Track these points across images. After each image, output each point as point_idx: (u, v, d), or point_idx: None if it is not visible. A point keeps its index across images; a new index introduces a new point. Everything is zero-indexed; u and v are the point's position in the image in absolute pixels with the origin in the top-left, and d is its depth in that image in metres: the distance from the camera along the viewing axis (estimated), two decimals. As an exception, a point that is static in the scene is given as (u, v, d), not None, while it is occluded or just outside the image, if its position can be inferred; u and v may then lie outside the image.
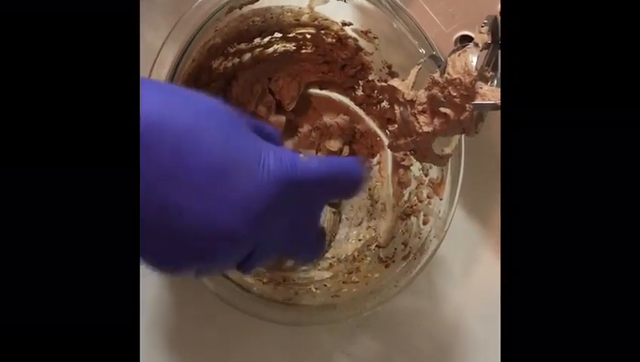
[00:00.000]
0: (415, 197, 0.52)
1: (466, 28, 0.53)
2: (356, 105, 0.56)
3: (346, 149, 0.56)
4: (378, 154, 0.56)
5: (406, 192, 0.53)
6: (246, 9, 0.45)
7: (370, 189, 0.56)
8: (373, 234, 0.53)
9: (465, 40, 0.53)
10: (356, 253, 0.52)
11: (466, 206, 0.58)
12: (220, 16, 0.43)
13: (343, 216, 0.56)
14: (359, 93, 0.55)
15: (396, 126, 0.43)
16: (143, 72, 0.41)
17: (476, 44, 0.40)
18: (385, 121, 0.55)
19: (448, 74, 0.39)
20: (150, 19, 0.48)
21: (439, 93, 0.40)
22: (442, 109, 0.40)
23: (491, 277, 0.60)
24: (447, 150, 0.46)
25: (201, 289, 0.43)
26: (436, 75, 0.40)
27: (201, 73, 0.47)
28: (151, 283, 0.51)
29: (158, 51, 0.41)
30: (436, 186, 0.50)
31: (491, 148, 0.60)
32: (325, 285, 0.49)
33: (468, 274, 0.60)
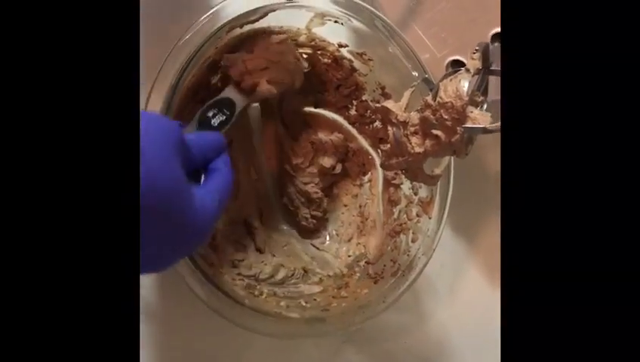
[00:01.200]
0: (405, 216, 0.53)
1: (458, 53, 0.55)
2: (349, 124, 0.57)
3: (339, 167, 0.57)
4: (369, 172, 0.58)
5: (396, 210, 0.54)
6: (246, 27, 0.47)
7: (360, 206, 0.57)
8: (363, 251, 0.55)
9: (456, 64, 0.55)
10: (345, 269, 0.53)
11: (453, 224, 0.60)
12: (220, 34, 0.45)
13: (333, 232, 0.57)
14: (353, 112, 0.57)
15: (389, 146, 0.44)
16: (146, 87, 0.43)
17: (468, 70, 0.41)
18: (377, 140, 0.57)
19: (440, 97, 0.40)
20: (153, 35, 0.49)
21: (431, 116, 0.41)
22: (434, 131, 0.41)
23: (477, 295, 0.62)
24: (437, 171, 0.47)
25: (192, 301, 0.43)
26: (429, 98, 0.41)
27: (199, 88, 0.48)
28: (141, 297, 0.51)
29: (159, 69, 0.42)
30: (425, 205, 0.51)
31: (480, 168, 0.62)
32: (315, 299, 0.50)
33: (454, 291, 0.61)
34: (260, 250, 0.52)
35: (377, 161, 0.57)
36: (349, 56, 0.53)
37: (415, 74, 0.51)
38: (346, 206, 0.57)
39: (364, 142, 0.58)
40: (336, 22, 0.50)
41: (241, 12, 0.45)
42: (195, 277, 0.42)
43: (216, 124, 0.45)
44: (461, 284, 0.62)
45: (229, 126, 0.46)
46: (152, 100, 0.43)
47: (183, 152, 0.33)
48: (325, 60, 0.54)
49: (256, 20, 0.46)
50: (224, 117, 0.45)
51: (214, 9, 0.44)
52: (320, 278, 0.53)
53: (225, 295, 0.43)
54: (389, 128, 0.44)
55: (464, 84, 0.40)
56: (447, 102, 0.40)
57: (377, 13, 0.50)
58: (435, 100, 0.41)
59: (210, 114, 0.45)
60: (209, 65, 0.48)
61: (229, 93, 0.47)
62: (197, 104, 0.49)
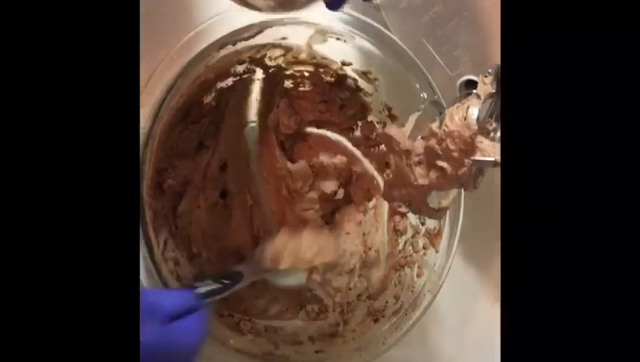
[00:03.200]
0: (410, 247, 0.49)
1: (472, 72, 0.51)
2: (354, 146, 0.54)
3: (341, 192, 0.54)
4: (374, 199, 0.54)
5: (401, 241, 0.51)
6: (240, 45, 0.44)
7: (364, 235, 0.54)
8: (365, 284, 0.51)
9: (470, 85, 0.51)
10: (345, 304, 0.50)
11: (464, 253, 0.56)
12: (211, 52, 0.41)
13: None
14: (357, 134, 0.53)
15: (391, 175, 0.41)
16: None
17: (478, 96, 0.38)
18: (383, 164, 0.53)
19: (446, 126, 0.37)
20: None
21: (437, 146, 0.37)
22: (439, 163, 0.37)
23: (489, 329, 0.58)
24: (445, 202, 0.43)
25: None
26: (434, 126, 0.38)
27: (191, 108, 0.45)
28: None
29: (143, 88, 0.39)
30: (433, 237, 0.47)
31: (492, 195, 0.58)
32: (310, 337, 0.46)
33: (463, 324, 0.58)
34: (252, 282, 0.49)
35: (383, 186, 0.54)
36: (353, 75, 0.50)
37: (424, 95, 0.47)
38: (348, 234, 0.54)
39: (370, 166, 0.54)
40: (338, 39, 0.46)
41: (234, 29, 0.41)
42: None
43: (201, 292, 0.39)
44: (472, 317, 0.58)
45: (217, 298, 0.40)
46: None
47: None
48: (328, 79, 0.50)
49: (251, 37, 0.43)
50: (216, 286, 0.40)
51: (201, 26, 0.41)
52: (317, 313, 0.49)
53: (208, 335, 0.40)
54: (392, 157, 0.40)
55: (473, 111, 0.37)
56: (453, 131, 0.36)
57: (384, 30, 0.46)
58: (441, 128, 0.37)
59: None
60: (200, 84, 0.45)
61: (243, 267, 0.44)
62: (189, 125, 0.47)
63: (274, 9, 0.38)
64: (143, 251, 0.39)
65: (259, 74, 0.49)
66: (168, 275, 0.41)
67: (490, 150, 0.36)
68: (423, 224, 0.49)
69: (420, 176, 0.39)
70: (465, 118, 0.36)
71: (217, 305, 0.45)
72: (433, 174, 0.38)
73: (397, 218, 0.52)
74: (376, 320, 0.47)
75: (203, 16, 0.42)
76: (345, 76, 0.50)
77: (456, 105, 0.37)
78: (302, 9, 0.39)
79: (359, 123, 0.53)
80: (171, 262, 0.43)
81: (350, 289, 0.51)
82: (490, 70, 0.40)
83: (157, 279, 0.40)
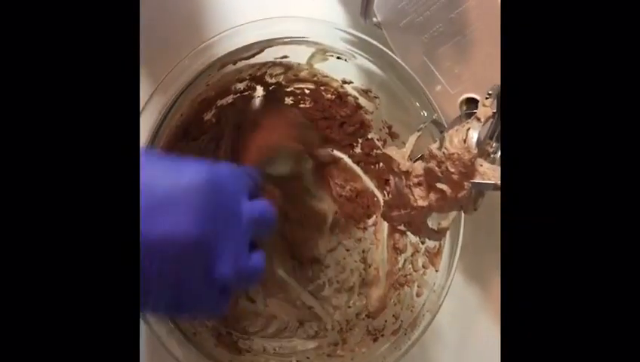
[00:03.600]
0: (410, 266, 0.49)
1: (473, 90, 0.51)
2: (354, 163, 0.54)
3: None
4: (374, 215, 0.54)
5: (401, 259, 0.50)
6: (241, 64, 0.44)
7: (363, 251, 0.53)
8: (364, 302, 0.51)
9: (471, 103, 0.51)
10: (344, 322, 0.50)
11: (465, 270, 0.56)
12: (211, 71, 0.41)
13: (334, 279, 0.53)
14: (358, 150, 0.53)
15: (390, 196, 0.41)
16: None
17: (478, 119, 0.37)
18: (383, 181, 0.53)
19: (446, 148, 0.37)
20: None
21: (436, 168, 0.37)
22: (439, 185, 0.37)
23: (489, 348, 0.57)
24: (444, 223, 0.43)
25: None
26: (434, 148, 0.38)
27: (190, 126, 0.45)
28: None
29: (143, 107, 0.39)
30: (432, 256, 0.47)
31: (492, 210, 0.58)
32: (308, 357, 0.46)
33: (465, 342, 0.57)
34: (251, 300, 0.49)
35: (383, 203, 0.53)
36: (354, 92, 0.50)
37: (424, 113, 0.47)
38: (348, 251, 0.54)
39: (370, 183, 0.54)
40: (339, 58, 0.46)
41: (235, 48, 0.41)
42: (174, 336, 0.39)
43: None
44: (473, 334, 0.57)
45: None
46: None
47: None
48: (329, 96, 0.50)
49: (252, 56, 0.43)
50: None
51: (202, 45, 0.41)
52: (316, 331, 0.49)
53: (206, 356, 0.40)
54: (391, 178, 0.40)
55: (473, 134, 0.37)
56: (453, 154, 0.36)
57: (384, 49, 0.46)
58: (441, 150, 0.37)
59: None
60: (201, 102, 0.45)
61: None
62: (189, 142, 0.47)
63: None
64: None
65: (259, 91, 0.49)
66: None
67: (490, 173, 0.36)
68: (422, 243, 0.49)
69: (420, 197, 0.39)
70: (465, 141, 0.36)
71: (217, 326, 0.45)
72: (433, 196, 0.38)
73: (397, 236, 0.52)
74: (375, 340, 0.46)
75: (204, 35, 0.42)
76: (346, 94, 0.50)
77: (455, 128, 0.37)
78: None
79: (359, 140, 0.53)
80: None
81: (349, 307, 0.51)
82: (490, 92, 0.40)
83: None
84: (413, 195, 0.39)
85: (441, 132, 0.45)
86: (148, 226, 0.28)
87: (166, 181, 0.30)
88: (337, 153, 0.54)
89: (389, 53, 0.46)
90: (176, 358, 0.39)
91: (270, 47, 0.43)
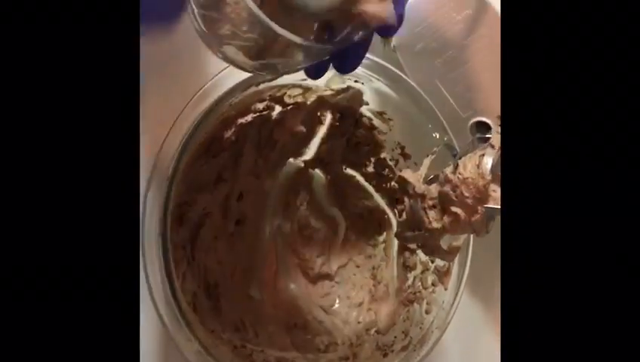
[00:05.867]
0: (419, 283, 0.50)
1: (483, 114, 0.53)
2: (366, 181, 0.55)
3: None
4: (385, 233, 0.55)
5: (410, 276, 0.52)
6: (263, 85, 0.45)
7: (373, 268, 0.55)
8: (374, 318, 0.52)
9: (481, 126, 0.53)
10: (354, 337, 0.51)
11: (470, 287, 0.56)
12: (235, 93, 0.43)
13: (344, 294, 0.54)
14: (370, 169, 0.55)
15: (405, 217, 0.42)
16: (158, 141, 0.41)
17: (492, 146, 0.39)
18: (394, 199, 0.55)
19: (460, 173, 0.38)
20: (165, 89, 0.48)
21: (451, 192, 0.39)
22: (453, 209, 0.39)
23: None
24: (456, 243, 0.45)
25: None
26: (449, 172, 0.39)
27: (212, 143, 0.47)
28: None
29: (172, 126, 0.41)
30: (442, 275, 0.48)
31: (498, 230, 0.59)
32: (319, 372, 0.47)
33: (468, 357, 0.58)
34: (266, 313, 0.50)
35: (394, 221, 0.55)
36: (368, 114, 0.51)
37: (436, 135, 0.48)
38: (358, 267, 0.55)
39: (381, 201, 0.55)
40: (356, 81, 0.48)
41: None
42: (191, 347, 0.40)
43: None
44: (475, 351, 0.58)
45: None
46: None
47: None
48: (344, 116, 0.52)
49: (274, 79, 0.45)
50: None
51: (227, 69, 0.42)
52: (326, 346, 0.50)
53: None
54: (406, 200, 0.42)
55: (487, 161, 0.38)
56: (467, 179, 0.38)
57: (400, 74, 0.48)
58: (455, 175, 0.39)
59: None
60: (222, 121, 0.46)
61: None
62: (209, 159, 0.48)
63: (259, 70, 0.36)
64: (164, 286, 0.40)
65: (277, 110, 0.51)
66: (187, 307, 0.42)
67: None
68: (432, 261, 0.50)
69: (434, 219, 0.40)
70: (479, 167, 0.38)
71: (232, 338, 0.46)
72: (447, 219, 0.39)
73: (407, 253, 0.53)
74: (385, 355, 0.48)
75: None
76: (361, 115, 0.51)
77: (469, 156, 0.38)
78: (285, 74, 0.39)
79: (372, 159, 0.54)
80: (189, 294, 0.44)
81: (359, 322, 0.52)
82: (503, 119, 0.41)
83: (176, 311, 0.41)
84: (427, 217, 0.40)
85: (454, 155, 0.46)
86: None
87: None
88: (350, 171, 0.55)
89: (405, 77, 0.48)
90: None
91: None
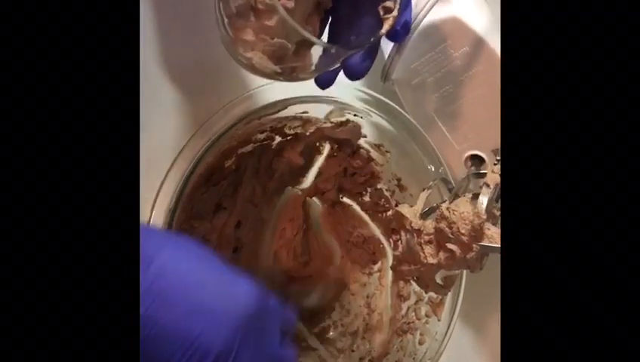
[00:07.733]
0: (413, 314, 0.51)
1: (477, 147, 0.54)
2: (362, 210, 0.56)
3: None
4: (379, 262, 0.56)
5: (404, 306, 0.53)
6: (264, 118, 0.46)
7: (368, 296, 0.56)
8: (367, 347, 0.53)
9: (475, 159, 0.54)
10: (348, 367, 0.52)
11: (461, 314, 0.57)
12: (238, 126, 0.44)
13: (338, 322, 0.55)
14: (367, 199, 0.56)
15: (401, 251, 0.43)
16: (156, 180, 0.42)
17: (487, 185, 0.40)
18: (390, 229, 0.55)
19: (456, 211, 0.39)
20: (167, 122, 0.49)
21: (447, 229, 0.40)
22: (449, 245, 0.40)
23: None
24: (450, 275, 0.46)
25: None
26: (444, 208, 0.40)
27: (212, 174, 0.48)
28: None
29: (174, 160, 0.42)
30: (435, 306, 0.49)
31: (490, 264, 0.60)
32: (314, 399, 0.48)
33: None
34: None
35: (389, 251, 0.56)
36: (366, 146, 0.52)
37: (432, 167, 0.50)
38: (353, 295, 0.56)
39: (376, 230, 0.56)
40: (355, 115, 0.49)
41: (260, 105, 0.44)
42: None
43: None
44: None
45: None
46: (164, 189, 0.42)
47: None
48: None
49: (275, 113, 0.46)
50: None
51: (230, 103, 0.43)
52: (320, 375, 0.51)
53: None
54: (402, 234, 0.43)
55: (483, 200, 0.39)
56: (464, 217, 0.39)
57: (399, 109, 0.49)
58: (451, 212, 0.40)
59: None
60: (224, 151, 0.47)
61: None
62: (210, 187, 0.49)
63: (279, 75, 0.38)
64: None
65: (277, 140, 0.52)
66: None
67: (496, 237, 0.39)
68: (426, 292, 0.51)
69: (430, 255, 0.41)
70: (475, 207, 0.39)
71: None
72: (442, 255, 0.40)
73: (401, 283, 0.54)
74: (378, 385, 0.48)
75: (232, 94, 0.44)
76: (359, 147, 0.53)
77: (465, 196, 0.39)
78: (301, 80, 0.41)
79: (369, 189, 0.55)
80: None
81: (353, 351, 0.53)
82: (498, 158, 0.43)
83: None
84: (423, 252, 0.41)
85: (449, 189, 0.48)
86: (187, 324, 0.31)
87: (215, 289, 0.32)
88: (347, 200, 0.56)
89: (403, 112, 0.49)
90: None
91: (293, 104, 0.46)
